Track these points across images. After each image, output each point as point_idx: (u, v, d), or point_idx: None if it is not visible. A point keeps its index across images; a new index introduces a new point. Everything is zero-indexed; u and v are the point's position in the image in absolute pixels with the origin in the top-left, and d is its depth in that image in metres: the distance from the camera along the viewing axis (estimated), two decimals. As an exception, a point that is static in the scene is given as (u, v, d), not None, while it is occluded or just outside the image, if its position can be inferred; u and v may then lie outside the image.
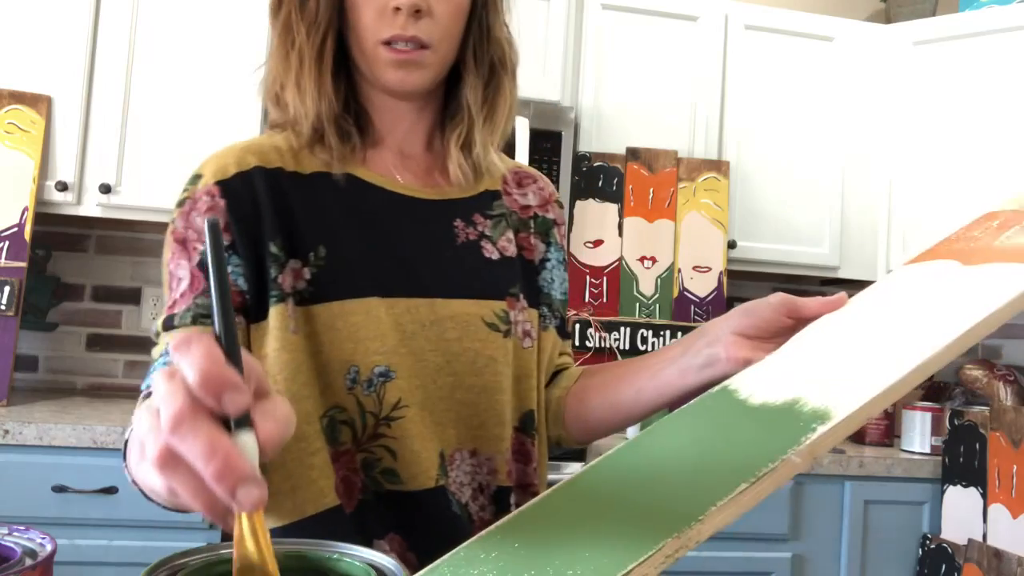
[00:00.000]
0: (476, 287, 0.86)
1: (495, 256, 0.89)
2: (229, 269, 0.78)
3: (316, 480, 0.78)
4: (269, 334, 0.78)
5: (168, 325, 0.77)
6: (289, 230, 0.80)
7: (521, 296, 0.90)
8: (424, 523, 0.79)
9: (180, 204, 0.80)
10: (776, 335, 0.74)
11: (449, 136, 0.89)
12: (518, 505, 0.87)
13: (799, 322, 0.74)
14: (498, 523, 0.64)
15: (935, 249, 0.72)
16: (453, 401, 0.83)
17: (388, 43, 0.80)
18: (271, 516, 0.79)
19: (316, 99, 0.81)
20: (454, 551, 0.57)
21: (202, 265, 0.78)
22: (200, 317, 0.77)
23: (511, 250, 0.91)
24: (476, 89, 0.87)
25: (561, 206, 1.01)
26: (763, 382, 0.66)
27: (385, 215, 0.84)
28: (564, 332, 0.98)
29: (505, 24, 0.89)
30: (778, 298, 0.74)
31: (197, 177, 0.81)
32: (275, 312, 0.78)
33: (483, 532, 0.62)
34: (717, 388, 0.71)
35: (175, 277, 0.78)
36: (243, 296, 0.79)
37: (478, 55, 0.87)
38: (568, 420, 0.94)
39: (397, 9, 0.79)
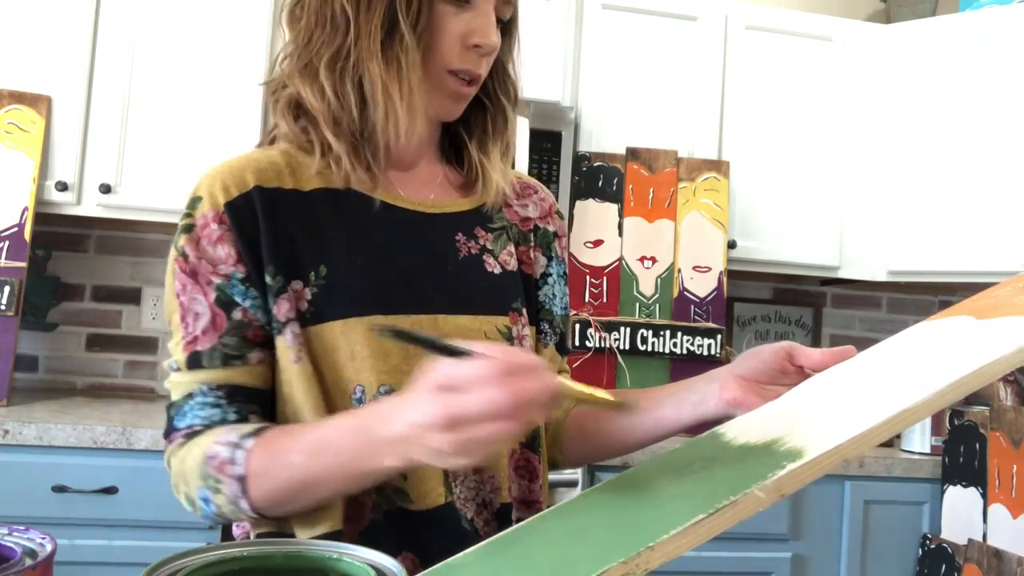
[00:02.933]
0: (479, 302, 0.85)
1: (497, 270, 0.89)
2: (248, 304, 0.78)
3: (329, 506, 0.77)
4: (278, 366, 0.79)
5: (195, 364, 0.77)
6: (287, 252, 0.79)
7: (524, 311, 0.90)
8: (436, 541, 0.79)
9: (186, 230, 0.79)
10: (776, 379, 0.77)
11: (480, 153, 0.91)
12: (520, 522, 0.87)
13: (802, 371, 0.76)
14: (476, 547, 0.65)
15: (955, 307, 0.72)
16: None
17: (453, 73, 0.81)
18: (296, 529, 0.79)
19: (409, 116, 0.80)
20: (432, 569, 0.59)
21: (221, 302, 0.77)
22: (230, 358, 0.77)
23: (512, 264, 0.91)
24: (503, 118, 0.91)
25: (562, 217, 1.01)
26: (751, 426, 0.67)
27: (387, 230, 0.84)
28: (563, 348, 0.98)
29: (514, 62, 0.92)
30: (781, 343, 0.78)
31: (196, 200, 0.80)
32: (278, 344, 0.78)
33: (458, 555, 0.64)
34: (707, 432, 0.72)
35: (190, 311, 0.78)
36: (263, 330, 0.79)
37: (505, 92, 0.91)
38: (566, 443, 0.95)
39: (477, 46, 0.80)
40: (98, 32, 2.14)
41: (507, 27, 0.87)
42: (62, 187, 2.10)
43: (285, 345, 0.77)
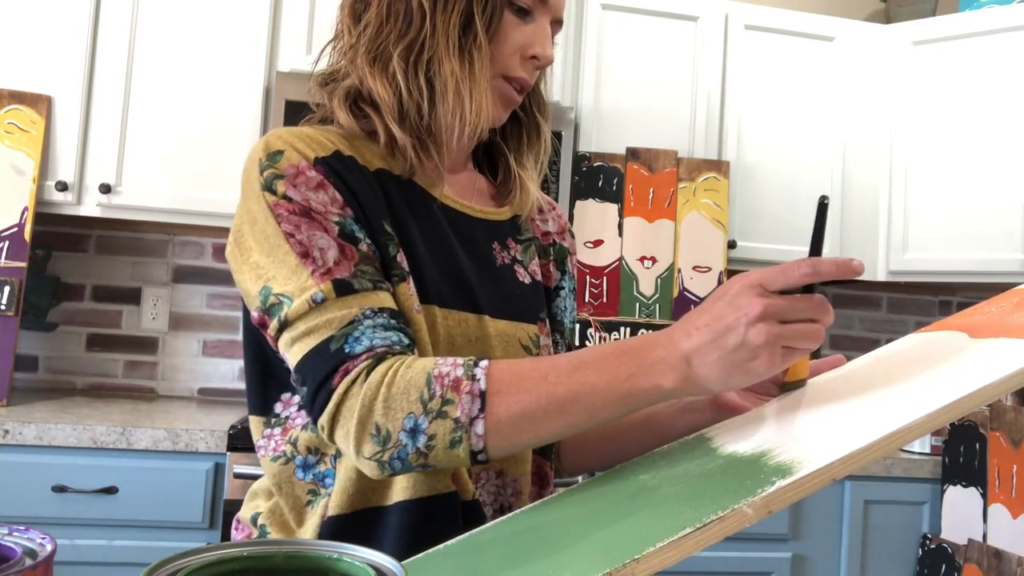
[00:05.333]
0: (515, 309, 0.87)
1: (527, 280, 0.91)
2: (369, 241, 0.76)
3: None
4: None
5: (345, 290, 0.72)
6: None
7: (547, 321, 0.93)
8: (459, 533, 0.80)
9: (279, 177, 0.75)
10: (768, 390, 0.80)
11: (517, 166, 0.93)
12: None
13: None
14: (459, 538, 0.65)
15: (948, 320, 0.72)
16: None
17: (507, 79, 0.83)
18: (390, 490, 0.78)
19: (482, 113, 0.80)
20: (414, 558, 0.58)
21: (345, 235, 0.75)
22: (378, 282, 0.75)
23: (538, 275, 0.94)
24: (531, 133, 0.94)
25: (572, 235, 1.04)
26: (738, 433, 0.67)
27: (444, 225, 0.85)
28: None
29: (546, 81, 0.95)
30: None
31: (277, 153, 0.77)
32: (400, 291, 0.77)
33: (442, 545, 0.63)
34: (693, 435, 0.72)
35: (314, 247, 0.73)
36: (383, 268, 0.77)
37: (535, 106, 0.93)
38: (564, 451, 0.97)
39: (534, 57, 0.83)
40: (98, 32, 2.15)
41: None
42: (62, 187, 2.10)
43: (409, 292, 0.77)
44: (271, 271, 0.74)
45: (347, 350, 0.70)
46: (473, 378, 0.68)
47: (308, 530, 0.79)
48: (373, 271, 0.75)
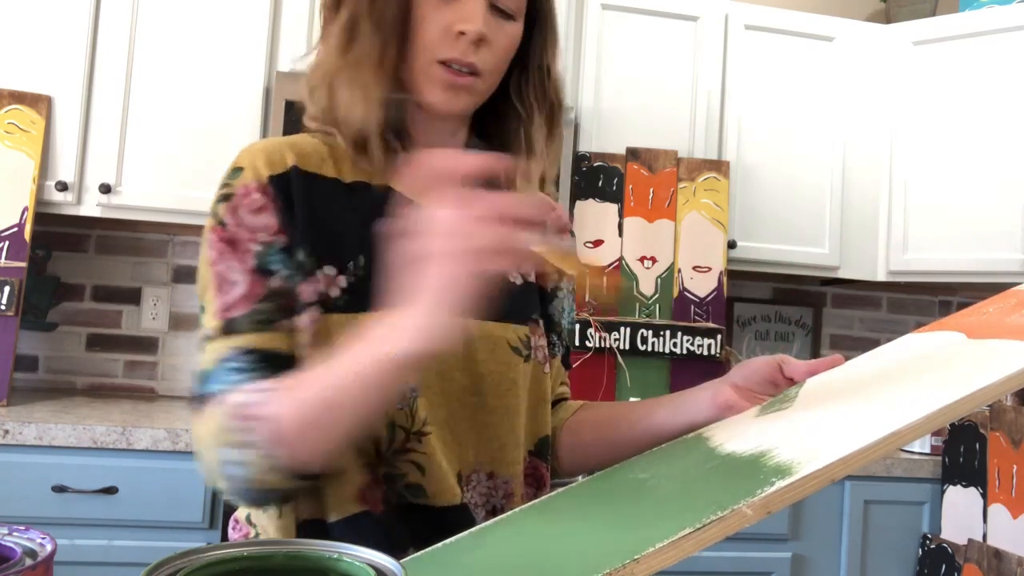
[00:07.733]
0: (503, 310, 0.86)
1: (519, 281, 0.91)
2: (286, 273, 0.77)
3: (342, 484, 0.77)
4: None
5: (229, 330, 0.74)
6: (324, 237, 0.79)
7: (540, 322, 0.92)
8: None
9: (226, 199, 0.78)
10: (767, 390, 0.81)
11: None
12: None
13: (792, 382, 0.79)
14: (455, 537, 0.65)
15: (946, 320, 0.72)
16: (475, 422, 0.83)
17: (444, 63, 0.80)
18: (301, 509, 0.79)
19: (366, 107, 0.79)
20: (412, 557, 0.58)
21: (259, 269, 0.76)
22: (261, 324, 0.75)
23: (532, 276, 0.93)
24: (542, 129, 0.88)
25: (573, 235, 1.03)
26: (737, 433, 0.67)
27: None
28: (566, 362, 1.00)
29: (545, 63, 0.89)
30: (774, 356, 0.82)
31: (237, 170, 0.79)
32: (296, 324, 0.77)
33: (440, 544, 0.63)
34: (691, 434, 0.73)
35: (226, 280, 0.76)
36: (297, 301, 0.77)
37: (538, 95, 0.88)
38: (561, 452, 0.96)
39: (462, 33, 0.79)
40: (98, 32, 2.15)
41: (538, 26, 0.87)
42: (62, 187, 2.10)
43: (301, 327, 0.77)
44: (202, 286, 0.78)
45: (202, 389, 0.74)
46: (262, 402, 0.68)
47: (289, 535, 0.80)
48: (270, 309, 0.76)
